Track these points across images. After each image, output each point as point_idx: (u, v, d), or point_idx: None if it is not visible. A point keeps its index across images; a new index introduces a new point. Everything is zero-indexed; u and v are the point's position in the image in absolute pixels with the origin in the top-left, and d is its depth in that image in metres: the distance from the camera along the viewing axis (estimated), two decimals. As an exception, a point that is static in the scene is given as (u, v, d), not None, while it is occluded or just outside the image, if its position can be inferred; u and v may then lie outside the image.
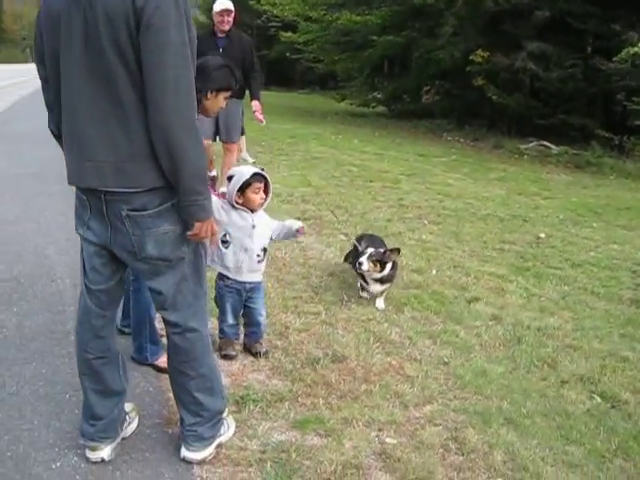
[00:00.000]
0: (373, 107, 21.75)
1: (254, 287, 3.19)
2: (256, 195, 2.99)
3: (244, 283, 3.14)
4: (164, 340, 2.54)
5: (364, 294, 4.10)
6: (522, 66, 13.67)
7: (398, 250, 4.01)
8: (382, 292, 4.05)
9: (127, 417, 2.49)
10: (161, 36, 1.83)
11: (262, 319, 3.25)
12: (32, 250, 4.66)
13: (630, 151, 12.70)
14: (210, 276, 3.36)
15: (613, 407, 3.08)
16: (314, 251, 5.07)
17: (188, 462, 2.35)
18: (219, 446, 2.43)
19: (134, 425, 2.54)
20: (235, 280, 3.13)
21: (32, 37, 2.19)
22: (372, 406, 2.84)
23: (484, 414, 2.85)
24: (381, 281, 3.97)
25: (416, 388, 3.04)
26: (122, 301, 3.13)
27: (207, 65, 2.88)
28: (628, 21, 12.53)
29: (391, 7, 17.69)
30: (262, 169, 3.05)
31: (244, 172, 2.97)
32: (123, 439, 2.45)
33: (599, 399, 3.13)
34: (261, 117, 6.00)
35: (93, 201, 2.05)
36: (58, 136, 2.15)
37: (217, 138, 6.05)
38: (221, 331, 3.24)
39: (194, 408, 2.31)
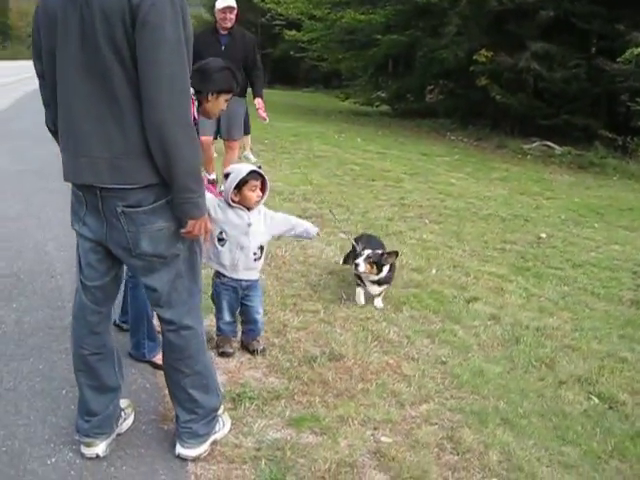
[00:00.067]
0: (377, 106, 21.72)
1: (250, 285, 3.18)
2: (253, 193, 2.99)
3: (240, 281, 3.14)
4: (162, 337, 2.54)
5: (358, 300, 4.03)
6: (526, 66, 13.64)
7: (396, 253, 3.97)
8: (379, 293, 4.02)
9: (123, 413, 2.50)
10: (156, 33, 1.83)
11: (259, 317, 3.24)
12: (32, 246, 4.67)
13: (633, 152, 12.63)
14: (207, 273, 3.38)
15: (610, 408, 3.07)
16: (314, 249, 5.07)
17: (183, 459, 2.35)
18: (214, 443, 2.43)
19: (130, 421, 2.55)
20: (231, 278, 3.13)
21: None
22: (368, 405, 2.84)
23: (480, 414, 2.85)
24: (378, 283, 3.94)
25: (413, 387, 3.03)
26: (122, 297, 3.18)
27: (208, 67, 2.89)
28: (632, 21, 12.47)
29: (395, 6, 17.65)
30: (259, 167, 3.05)
31: (241, 170, 2.97)
32: (118, 435, 2.46)
33: (596, 400, 3.12)
34: (264, 115, 6.00)
35: (89, 197, 2.05)
36: (55, 132, 2.16)
37: (219, 136, 6.05)
38: (218, 328, 3.25)
39: (189, 405, 2.31)
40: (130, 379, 2.88)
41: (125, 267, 2.38)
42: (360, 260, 3.84)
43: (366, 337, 3.54)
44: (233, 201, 3.00)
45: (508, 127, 15.42)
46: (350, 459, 2.43)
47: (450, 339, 3.63)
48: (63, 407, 2.64)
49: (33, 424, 2.53)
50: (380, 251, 3.94)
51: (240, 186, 2.96)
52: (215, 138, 6.07)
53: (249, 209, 3.05)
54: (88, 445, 2.32)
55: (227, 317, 3.21)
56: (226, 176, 3.00)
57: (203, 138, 5.73)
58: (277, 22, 27.00)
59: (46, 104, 2.16)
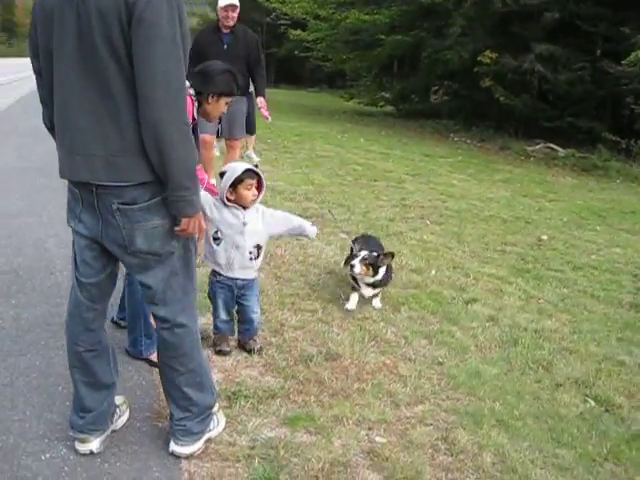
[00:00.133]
0: (381, 106, 21.72)
1: (246, 284, 3.17)
2: (248, 191, 2.99)
3: (235, 280, 3.14)
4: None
5: (349, 306, 3.91)
6: (530, 68, 13.64)
7: (392, 254, 3.93)
8: (373, 296, 3.98)
9: (117, 410, 2.50)
10: (152, 30, 1.83)
11: (255, 316, 3.24)
12: (32, 243, 4.68)
13: (637, 155, 12.62)
14: (205, 272, 3.39)
15: (607, 411, 3.07)
16: (314, 249, 5.07)
17: (176, 456, 2.35)
18: (208, 441, 2.44)
19: (124, 418, 2.55)
20: (227, 276, 3.13)
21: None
22: (363, 405, 2.84)
23: (475, 415, 2.85)
24: (373, 285, 3.89)
25: (409, 388, 3.03)
26: (121, 294, 3.19)
27: (210, 69, 2.90)
28: (638, 24, 12.45)
29: (400, 7, 17.67)
30: (256, 165, 3.05)
31: (236, 168, 2.97)
32: (113, 432, 2.46)
33: (593, 403, 3.12)
34: (267, 113, 5.99)
35: (85, 194, 2.06)
36: (52, 129, 2.16)
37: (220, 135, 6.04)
38: (215, 327, 3.25)
39: (183, 403, 2.32)
40: (126, 376, 2.89)
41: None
42: (356, 261, 3.79)
43: (363, 337, 3.54)
44: (228, 200, 3.00)
45: (512, 129, 15.42)
46: (344, 459, 2.43)
47: (448, 340, 3.63)
48: (59, 403, 2.65)
49: (28, 420, 2.54)
50: (376, 253, 3.89)
51: (235, 185, 2.96)
52: (217, 137, 6.07)
53: (245, 208, 3.05)
54: (82, 441, 2.33)
55: (223, 315, 3.21)
56: (222, 175, 3.00)
57: (205, 137, 5.74)
58: (282, 22, 27.02)
59: (43, 101, 2.16)
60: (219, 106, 2.94)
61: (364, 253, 3.85)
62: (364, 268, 3.78)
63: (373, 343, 3.49)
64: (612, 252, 6.08)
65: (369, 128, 16.26)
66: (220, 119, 3.28)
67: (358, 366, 3.21)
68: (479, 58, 14.54)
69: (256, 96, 5.87)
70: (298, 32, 22.98)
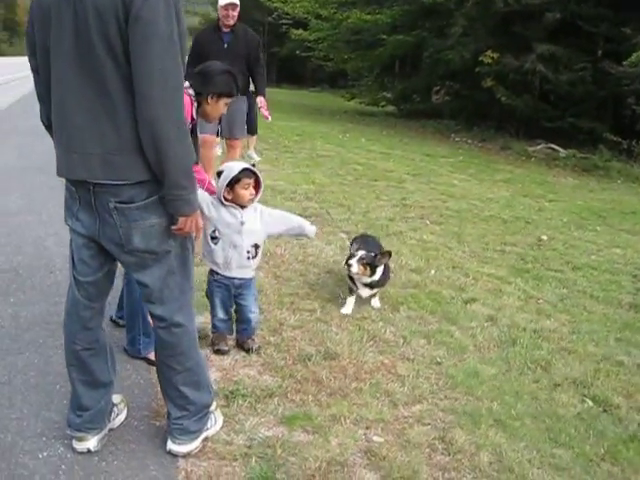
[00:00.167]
0: (382, 106, 21.73)
1: (243, 284, 3.17)
2: (245, 191, 2.99)
3: (232, 279, 3.13)
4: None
5: (344, 310, 3.87)
6: (532, 68, 13.63)
7: (389, 253, 3.90)
8: (370, 297, 3.97)
9: (115, 408, 2.50)
10: (149, 28, 1.83)
11: (253, 316, 3.23)
12: (32, 242, 4.69)
13: (638, 155, 12.60)
14: (203, 271, 3.39)
15: (605, 411, 3.07)
16: (313, 248, 5.07)
17: (174, 455, 2.36)
18: (205, 440, 2.44)
19: (122, 417, 2.55)
20: (224, 276, 3.13)
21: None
22: (361, 404, 2.84)
23: (473, 415, 2.84)
24: (371, 286, 3.88)
25: (407, 387, 3.03)
26: (120, 293, 3.19)
27: (210, 70, 2.91)
28: (639, 24, 12.43)
29: (402, 6, 17.67)
30: (253, 165, 3.05)
31: (233, 168, 2.97)
32: (111, 430, 2.46)
33: (591, 403, 3.12)
34: (267, 113, 5.99)
35: (82, 193, 2.06)
36: (49, 127, 2.16)
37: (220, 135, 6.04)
38: (213, 326, 3.25)
39: (180, 402, 2.32)
40: (124, 375, 2.90)
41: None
42: (353, 261, 3.77)
43: (362, 337, 3.54)
44: (226, 199, 3.00)
45: (513, 129, 15.41)
46: (341, 458, 2.43)
47: (446, 340, 3.63)
48: (57, 401, 2.65)
49: (26, 418, 2.54)
50: (373, 252, 3.86)
51: (232, 184, 2.96)
52: (217, 136, 6.07)
53: (243, 207, 3.04)
54: (80, 440, 2.33)
55: (221, 314, 3.22)
56: (219, 174, 3.00)
57: (205, 137, 5.74)
58: (284, 21, 27.02)
59: (41, 99, 2.17)
60: (218, 107, 2.94)
61: (361, 253, 3.82)
62: (362, 268, 3.76)
63: (372, 343, 3.49)
64: (612, 252, 6.08)
65: (370, 128, 16.27)
66: (220, 119, 3.29)
67: (356, 365, 3.21)
68: (480, 58, 14.53)
69: (256, 96, 5.86)
70: (300, 32, 22.98)
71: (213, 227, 3.03)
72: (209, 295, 3.23)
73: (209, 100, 2.88)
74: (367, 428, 2.67)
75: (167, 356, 2.26)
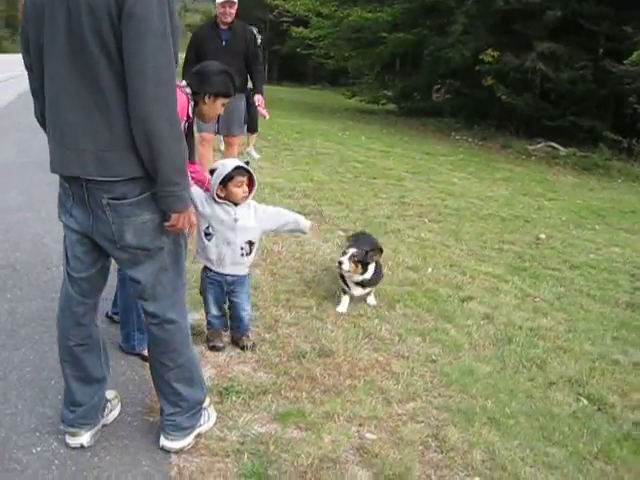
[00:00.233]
0: (383, 104, 21.69)
1: (236, 280, 3.16)
2: (238, 189, 2.98)
3: (225, 276, 3.13)
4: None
5: (339, 309, 3.86)
6: (532, 66, 13.63)
7: (380, 250, 3.88)
8: (366, 295, 3.95)
9: (109, 404, 2.51)
10: (142, 25, 1.83)
11: (245, 314, 3.22)
12: (30, 238, 4.69)
13: (639, 154, 12.60)
14: (198, 268, 3.39)
15: (599, 410, 3.07)
16: (311, 246, 5.07)
17: (166, 451, 2.36)
18: (198, 436, 2.45)
19: (116, 412, 2.56)
20: (217, 272, 3.13)
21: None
22: (355, 401, 2.85)
23: (467, 413, 2.85)
24: (362, 285, 3.85)
25: (401, 385, 3.04)
26: (115, 289, 3.19)
27: (207, 70, 2.91)
28: (640, 23, 12.44)
29: (402, 4, 17.64)
30: (247, 162, 3.05)
31: (226, 165, 2.96)
32: (104, 426, 2.47)
33: (585, 401, 3.12)
34: (264, 112, 5.99)
35: (75, 189, 2.07)
36: (43, 123, 2.17)
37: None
38: (208, 322, 3.26)
39: (173, 398, 2.33)
40: (119, 371, 2.91)
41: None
42: (344, 258, 3.74)
43: (357, 334, 3.55)
44: (219, 197, 3.00)
45: (513, 127, 15.40)
46: (333, 455, 2.44)
47: (442, 338, 3.63)
48: (51, 397, 2.66)
49: (20, 413, 2.55)
50: (364, 249, 3.82)
51: (225, 182, 2.96)
52: (216, 134, 6.07)
53: (236, 204, 3.04)
54: (73, 435, 2.34)
55: (214, 311, 3.22)
56: (211, 172, 3.00)
57: (204, 135, 5.75)
58: (284, 19, 26.99)
59: (35, 95, 2.17)
60: (215, 107, 2.94)
61: (352, 250, 3.80)
62: (353, 265, 3.74)
63: (367, 340, 3.50)
64: (610, 251, 6.08)
65: (370, 126, 16.25)
66: (218, 116, 3.32)
67: (351, 363, 3.21)
68: (481, 56, 14.51)
69: (254, 93, 5.86)
70: (300, 29, 22.94)
71: (207, 223, 3.03)
72: (202, 292, 3.24)
73: (206, 100, 2.88)
74: (360, 425, 2.67)
75: (160, 353, 2.27)
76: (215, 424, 2.54)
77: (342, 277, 3.89)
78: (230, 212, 3.03)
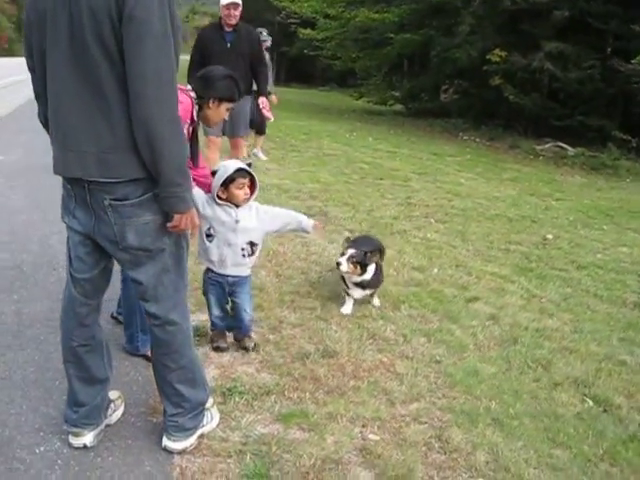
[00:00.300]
0: (390, 105, 21.67)
1: (237, 281, 3.16)
2: (240, 191, 2.98)
3: (226, 277, 3.13)
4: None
5: (344, 310, 3.85)
6: (540, 66, 13.56)
7: (380, 251, 3.86)
8: (362, 298, 3.90)
9: (112, 405, 2.52)
10: (143, 28, 1.84)
11: (246, 315, 3.21)
12: (37, 239, 4.72)
13: (647, 154, 12.53)
14: (202, 270, 3.40)
15: (605, 411, 3.05)
16: (316, 247, 5.07)
17: (169, 451, 2.37)
18: (201, 437, 2.45)
19: (119, 413, 2.57)
20: (218, 273, 3.13)
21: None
22: (358, 402, 2.84)
23: (471, 414, 2.84)
24: (362, 286, 3.82)
25: (405, 385, 3.03)
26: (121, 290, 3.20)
27: (212, 74, 2.92)
28: (649, 22, 12.36)
29: (409, 5, 17.62)
30: (249, 164, 3.05)
31: (228, 167, 2.96)
32: (107, 426, 2.48)
33: (591, 402, 3.10)
34: (269, 114, 5.99)
35: (77, 190, 2.08)
36: (47, 125, 2.18)
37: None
38: (212, 323, 3.26)
39: (175, 399, 2.33)
40: (123, 371, 2.92)
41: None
42: (343, 259, 3.71)
43: (361, 335, 3.54)
44: (220, 198, 2.99)
45: (521, 127, 15.34)
46: (336, 456, 2.44)
47: (447, 338, 3.62)
48: (55, 397, 2.67)
49: (25, 413, 2.56)
50: (364, 250, 3.79)
51: (227, 183, 2.95)
52: (223, 135, 6.08)
53: (237, 206, 3.04)
54: (76, 435, 2.35)
55: (216, 312, 3.23)
56: (213, 173, 3.00)
57: (211, 138, 5.75)
58: (292, 20, 27.01)
59: (38, 98, 2.19)
60: (220, 112, 2.95)
61: (351, 251, 3.77)
62: (351, 266, 3.70)
63: (371, 341, 3.49)
64: (618, 251, 6.04)
65: (378, 127, 16.23)
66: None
67: (355, 364, 3.21)
68: (488, 56, 14.46)
69: (258, 96, 5.85)
70: (308, 31, 22.95)
71: (208, 225, 3.03)
72: (204, 293, 3.24)
73: (210, 104, 2.89)
74: (363, 426, 2.67)
75: (161, 354, 2.27)
76: (218, 425, 2.54)
77: (343, 279, 3.88)
78: (231, 214, 3.02)
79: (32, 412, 2.57)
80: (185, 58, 5.69)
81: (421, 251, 5.27)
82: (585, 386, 3.25)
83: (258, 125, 8.48)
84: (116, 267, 2.39)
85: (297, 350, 3.28)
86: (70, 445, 2.36)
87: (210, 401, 2.54)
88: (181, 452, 2.37)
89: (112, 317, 3.42)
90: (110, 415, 2.50)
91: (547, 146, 13.79)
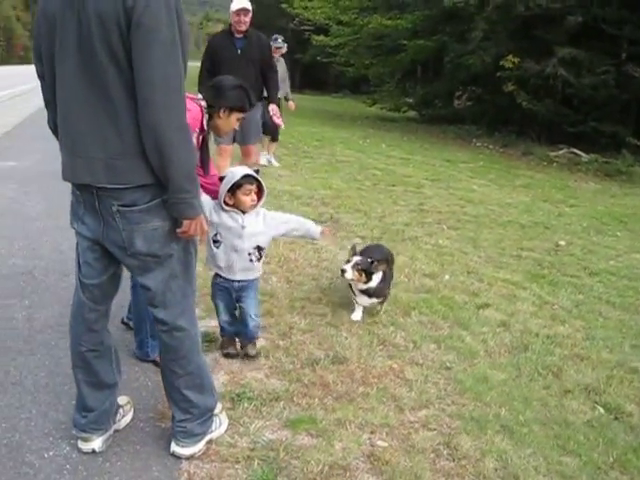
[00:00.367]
0: (404, 112, 21.68)
1: (244, 286, 3.15)
2: (247, 197, 2.99)
3: (233, 282, 3.13)
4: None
5: (354, 316, 3.84)
6: (553, 72, 13.49)
7: (387, 261, 3.85)
8: (370, 306, 3.88)
9: (121, 410, 2.53)
10: (151, 35, 1.86)
11: (251, 320, 3.20)
12: (49, 246, 4.77)
13: (663, 160, 12.41)
14: (210, 275, 3.41)
15: (616, 419, 3.02)
16: (327, 253, 5.08)
17: (177, 457, 2.38)
18: (209, 442, 2.46)
19: (128, 418, 2.58)
20: (225, 279, 3.14)
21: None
22: (367, 408, 2.83)
23: (480, 421, 2.82)
24: (368, 294, 3.79)
25: (414, 392, 3.02)
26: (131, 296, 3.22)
27: (222, 84, 2.93)
28: (664, 27, 12.27)
29: (422, 11, 17.65)
30: (257, 171, 3.06)
31: (235, 173, 2.97)
32: (116, 431, 2.50)
33: (602, 410, 3.07)
34: (279, 121, 5.99)
35: (86, 196, 2.10)
36: (56, 132, 2.20)
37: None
38: (221, 328, 3.27)
39: (184, 405, 2.34)
40: (132, 377, 2.93)
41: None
42: (347, 266, 3.70)
43: (371, 341, 3.54)
44: (227, 204, 3.00)
45: (535, 134, 15.26)
46: (343, 462, 2.43)
47: (457, 345, 3.61)
48: (65, 402, 2.69)
49: (34, 418, 2.58)
50: (370, 259, 3.77)
51: (234, 189, 2.96)
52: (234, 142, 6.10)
53: (244, 212, 3.04)
54: (85, 440, 2.37)
55: (224, 317, 3.24)
56: (221, 179, 3.01)
57: (222, 146, 5.78)
58: (305, 27, 27.11)
59: (47, 105, 2.21)
60: (230, 121, 2.96)
61: (357, 258, 3.77)
62: (356, 274, 3.69)
63: (381, 347, 3.49)
64: (632, 258, 5.98)
65: (391, 133, 16.23)
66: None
67: (364, 370, 3.20)
68: (502, 62, 14.41)
69: (268, 103, 5.86)
70: (321, 37, 23.02)
71: (215, 231, 3.04)
72: (213, 298, 3.25)
73: (221, 114, 2.90)
74: (372, 433, 2.66)
75: (169, 360, 2.28)
76: (226, 430, 2.55)
77: (350, 285, 3.88)
78: (238, 220, 3.03)
79: (42, 417, 2.59)
80: (196, 65, 5.75)
81: (433, 258, 5.25)
82: (596, 393, 3.22)
83: (272, 131, 8.50)
84: (127, 273, 2.41)
85: (307, 356, 3.28)
86: (79, 450, 2.37)
87: (219, 407, 2.55)
88: (189, 458, 2.37)
89: (122, 323, 3.44)
90: (119, 420, 2.52)
91: (561, 152, 13.71)
